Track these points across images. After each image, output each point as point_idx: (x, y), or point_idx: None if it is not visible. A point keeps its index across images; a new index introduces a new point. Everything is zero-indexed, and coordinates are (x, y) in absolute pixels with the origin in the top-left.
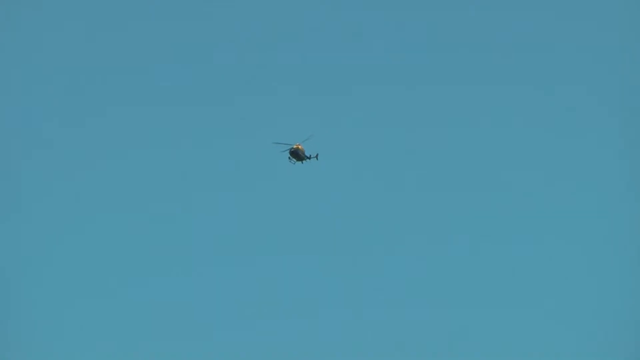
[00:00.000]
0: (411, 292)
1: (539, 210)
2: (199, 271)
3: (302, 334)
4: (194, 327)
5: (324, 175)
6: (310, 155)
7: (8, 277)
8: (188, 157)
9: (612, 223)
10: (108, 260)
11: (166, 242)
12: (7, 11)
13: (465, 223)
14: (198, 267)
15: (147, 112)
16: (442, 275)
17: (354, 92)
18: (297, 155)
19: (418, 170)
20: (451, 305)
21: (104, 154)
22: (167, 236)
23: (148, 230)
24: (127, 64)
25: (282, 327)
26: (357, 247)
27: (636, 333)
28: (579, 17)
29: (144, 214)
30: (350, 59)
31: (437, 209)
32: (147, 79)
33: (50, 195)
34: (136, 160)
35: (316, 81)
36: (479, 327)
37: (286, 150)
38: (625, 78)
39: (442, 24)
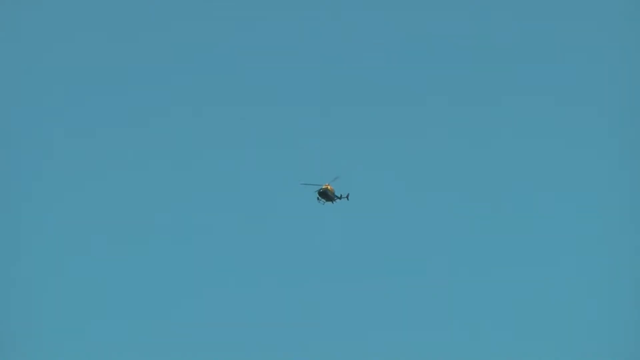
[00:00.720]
0: (432, 312)
1: (540, 211)
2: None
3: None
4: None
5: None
6: (340, 195)
7: (8, 277)
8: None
9: (613, 224)
10: (108, 260)
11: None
12: (7, 11)
13: (468, 227)
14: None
15: (147, 112)
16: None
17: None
18: (326, 195)
19: (418, 174)
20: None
21: (106, 157)
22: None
23: (151, 235)
24: (127, 64)
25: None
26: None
27: (636, 333)
28: (580, 17)
29: (152, 223)
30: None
31: (439, 211)
32: (148, 81)
33: (50, 196)
34: (143, 166)
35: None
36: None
37: (315, 190)
38: (625, 79)
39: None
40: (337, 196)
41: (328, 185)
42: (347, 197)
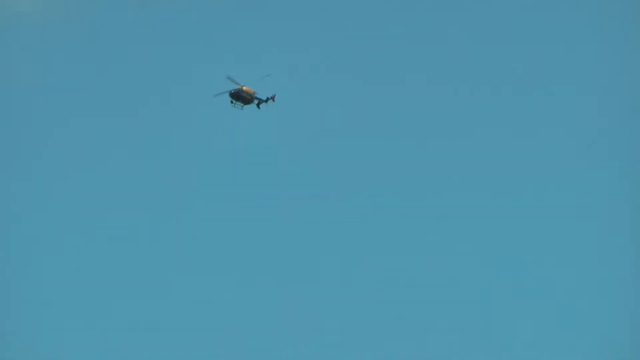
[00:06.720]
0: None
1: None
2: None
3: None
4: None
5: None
6: (267, 98)
7: (8, 276)
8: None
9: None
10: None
11: (169, 244)
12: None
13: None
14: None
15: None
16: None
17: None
18: (239, 97)
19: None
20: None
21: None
22: (169, 238)
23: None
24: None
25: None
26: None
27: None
28: (578, 16)
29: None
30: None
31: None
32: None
33: (48, 196)
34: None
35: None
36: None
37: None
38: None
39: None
40: (259, 98)
41: (243, 86)
42: (272, 98)
